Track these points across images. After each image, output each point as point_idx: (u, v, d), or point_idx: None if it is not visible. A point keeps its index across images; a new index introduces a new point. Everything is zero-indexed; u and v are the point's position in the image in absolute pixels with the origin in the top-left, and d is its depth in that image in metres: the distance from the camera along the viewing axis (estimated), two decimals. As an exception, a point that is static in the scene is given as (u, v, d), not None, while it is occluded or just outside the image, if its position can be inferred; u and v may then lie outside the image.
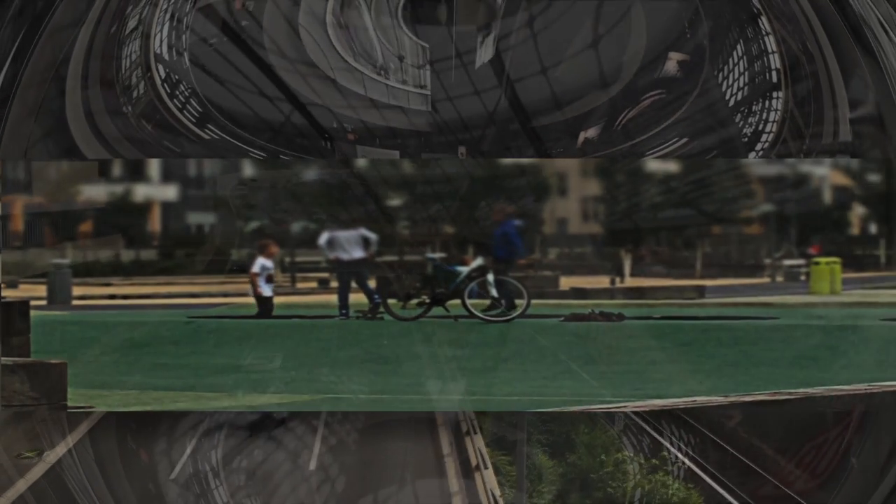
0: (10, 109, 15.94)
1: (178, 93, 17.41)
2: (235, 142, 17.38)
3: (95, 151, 16.86)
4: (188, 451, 20.66)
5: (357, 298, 21.89)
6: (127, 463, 18.69)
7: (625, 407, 17.04)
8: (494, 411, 17.25)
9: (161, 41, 17.17)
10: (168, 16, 17.36)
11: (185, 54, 17.31)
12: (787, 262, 24.35)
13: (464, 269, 21.16)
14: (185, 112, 17.27)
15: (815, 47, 16.90)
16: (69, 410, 16.89)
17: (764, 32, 17.09)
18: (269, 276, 21.92)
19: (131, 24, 17.08)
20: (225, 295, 22.85)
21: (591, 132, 17.49)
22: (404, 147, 17.80)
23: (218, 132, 17.34)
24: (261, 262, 21.89)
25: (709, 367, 18.23)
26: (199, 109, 17.32)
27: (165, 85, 17.31)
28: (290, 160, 19.95)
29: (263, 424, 21.04)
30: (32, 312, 18.12)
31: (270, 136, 17.45)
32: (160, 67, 17.29)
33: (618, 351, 19.00)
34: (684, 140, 17.35)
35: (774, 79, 17.03)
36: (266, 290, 21.88)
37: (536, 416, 17.82)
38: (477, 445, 18.12)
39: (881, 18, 16.50)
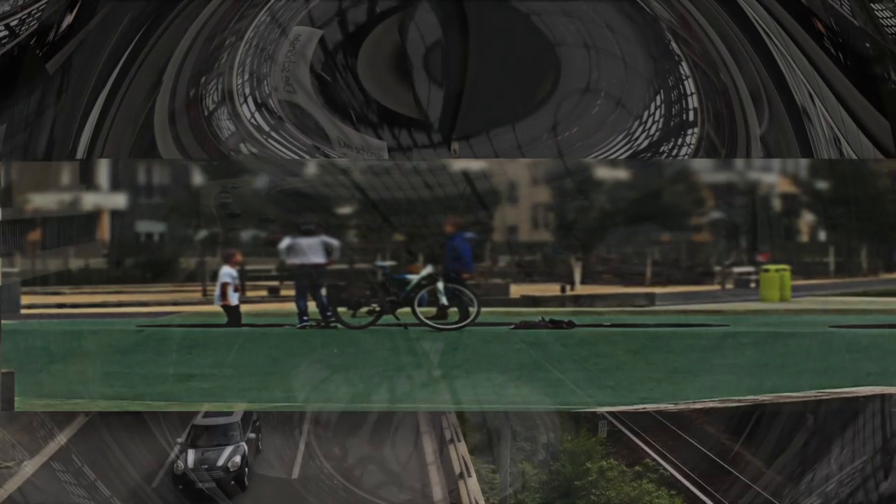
0: (115, 119, 17.44)
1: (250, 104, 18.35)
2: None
3: (170, 153, 17.84)
4: (171, 455, 20.61)
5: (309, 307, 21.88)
6: (105, 469, 18.65)
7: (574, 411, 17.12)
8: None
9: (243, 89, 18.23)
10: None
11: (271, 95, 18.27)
12: (737, 270, 24.47)
13: (414, 278, 21.12)
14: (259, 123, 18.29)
15: (727, 79, 17.53)
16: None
17: (684, 76, 17.72)
18: (234, 286, 21.95)
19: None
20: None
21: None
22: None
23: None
24: (228, 272, 21.89)
25: (657, 375, 18.25)
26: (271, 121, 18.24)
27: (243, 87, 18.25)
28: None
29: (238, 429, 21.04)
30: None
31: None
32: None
33: (566, 358, 19.00)
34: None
35: (692, 117, 17.63)
36: (233, 300, 21.91)
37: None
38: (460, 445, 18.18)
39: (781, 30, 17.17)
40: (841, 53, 17.12)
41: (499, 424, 20.47)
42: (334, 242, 21.74)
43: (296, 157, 18.59)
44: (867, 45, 16.99)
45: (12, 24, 17.53)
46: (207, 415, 20.90)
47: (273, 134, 18.36)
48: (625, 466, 20.70)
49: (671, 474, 20.69)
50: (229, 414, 20.77)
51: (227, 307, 21.89)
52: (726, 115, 17.53)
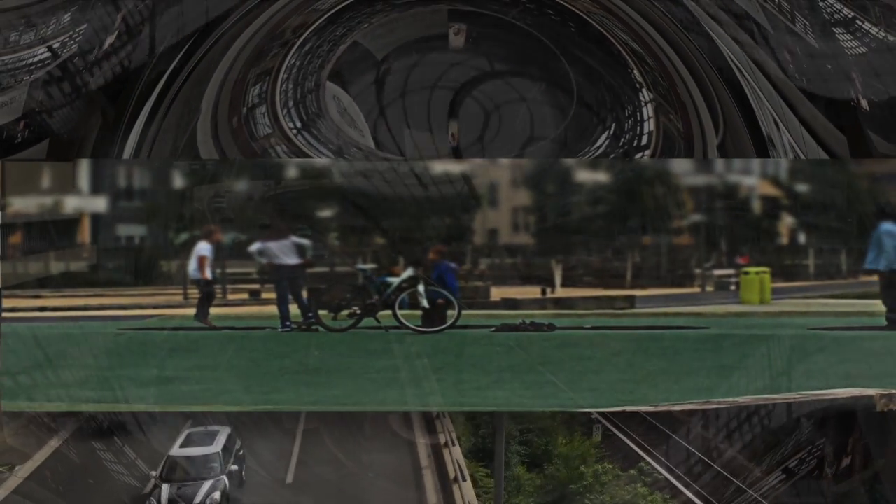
0: (163, 121, 18.45)
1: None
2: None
3: (209, 153, 18.65)
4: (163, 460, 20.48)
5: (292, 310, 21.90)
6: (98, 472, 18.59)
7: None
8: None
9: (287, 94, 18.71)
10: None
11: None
12: (717, 272, 24.51)
13: (394, 280, 21.16)
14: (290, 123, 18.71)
15: (685, 94, 17.81)
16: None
17: (643, 102, 18.00)
18: (211, 261, 22.03)
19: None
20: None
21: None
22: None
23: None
24: (206, 246, 21.94)
25: (637, 377, 18.35)
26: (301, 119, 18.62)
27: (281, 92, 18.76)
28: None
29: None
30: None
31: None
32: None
33: (548, 361, 19.08)
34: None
35: (644, 141, 17.93)
36: (209, 274, 21.96)
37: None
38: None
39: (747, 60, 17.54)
40: (805, 78, 17.46)
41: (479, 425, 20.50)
42: (305, 242, 21.77)
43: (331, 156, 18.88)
44: (829, 66, 17.31)
45: (54, 46, 18.03)
46: (186, 444, 20.47)
47: (304, 132, 18.61)
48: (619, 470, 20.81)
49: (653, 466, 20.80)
50: (210, 444, 20.31)
51: (202, 281, 21.94)
52: (684, 133, 17.80)
